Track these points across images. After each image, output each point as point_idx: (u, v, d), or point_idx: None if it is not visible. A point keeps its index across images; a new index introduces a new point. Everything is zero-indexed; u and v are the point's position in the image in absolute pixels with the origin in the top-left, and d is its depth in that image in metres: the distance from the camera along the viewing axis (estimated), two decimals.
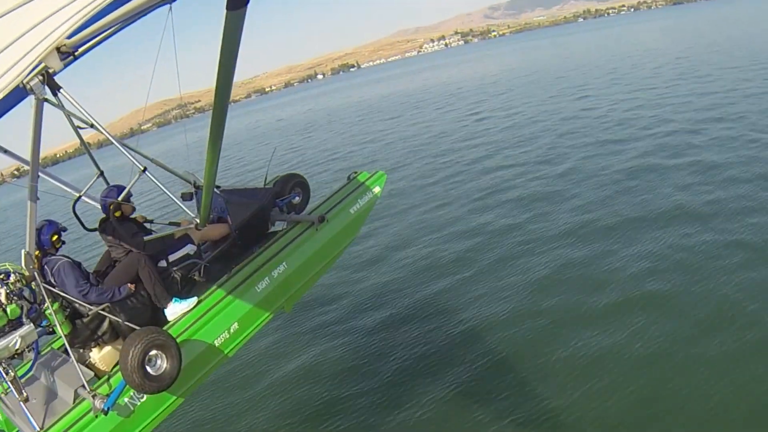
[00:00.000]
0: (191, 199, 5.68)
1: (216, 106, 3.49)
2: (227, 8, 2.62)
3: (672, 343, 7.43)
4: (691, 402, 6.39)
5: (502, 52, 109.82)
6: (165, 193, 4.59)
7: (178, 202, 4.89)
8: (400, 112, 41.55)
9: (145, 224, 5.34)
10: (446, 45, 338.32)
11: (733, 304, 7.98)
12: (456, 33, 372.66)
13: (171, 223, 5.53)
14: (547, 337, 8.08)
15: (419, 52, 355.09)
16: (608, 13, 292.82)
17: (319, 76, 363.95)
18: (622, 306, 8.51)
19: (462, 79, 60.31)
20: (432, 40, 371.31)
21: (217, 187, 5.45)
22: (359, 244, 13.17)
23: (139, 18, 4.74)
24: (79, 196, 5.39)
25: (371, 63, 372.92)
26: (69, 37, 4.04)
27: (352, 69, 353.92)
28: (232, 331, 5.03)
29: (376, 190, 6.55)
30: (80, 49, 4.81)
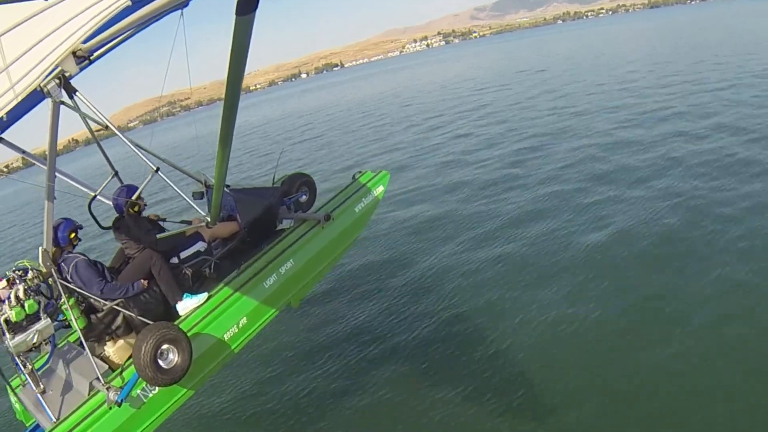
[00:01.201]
0: (202, 198, 5.81)
1: (226, 106, 3.58)
2: (236, 13, 2.68)
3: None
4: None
5: (464, 54, 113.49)
6: (177, 192, 4.75)
7: (190, 201, 5.03)
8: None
9: (158, 222, 5.47)
10: (428, 45, 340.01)
11: None
12: (438, 34, 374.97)
13: (182, 222, 5.65)
14: (555, 338, 7.70)
15: (401, 52, 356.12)
16: (587, 16, 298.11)
17: (303, 75, 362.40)
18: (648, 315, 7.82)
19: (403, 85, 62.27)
20: (415, 41, 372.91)
21: (227, 186, 5.58)
22: (366, 241, 13.16)
23: (152, 23, 4.87)
24: (95, 196, 5.50)
25: (354, 62, 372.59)
26: (85, 41, 4.19)
27: (335, 68, 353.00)
28: (240, 325, 5.16)
29: (380, 189, 6.72)
30: (95, 53, 4.93)
